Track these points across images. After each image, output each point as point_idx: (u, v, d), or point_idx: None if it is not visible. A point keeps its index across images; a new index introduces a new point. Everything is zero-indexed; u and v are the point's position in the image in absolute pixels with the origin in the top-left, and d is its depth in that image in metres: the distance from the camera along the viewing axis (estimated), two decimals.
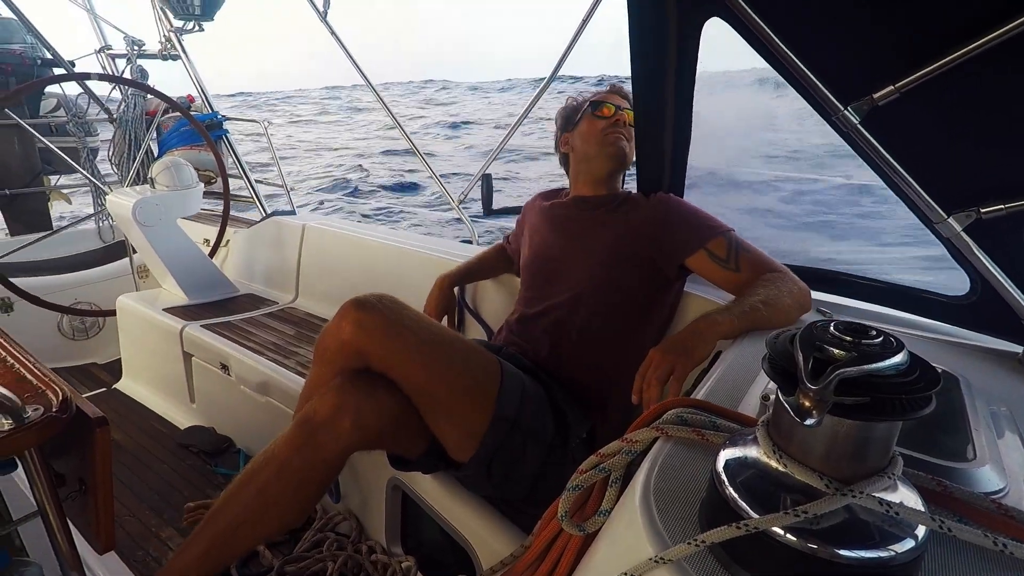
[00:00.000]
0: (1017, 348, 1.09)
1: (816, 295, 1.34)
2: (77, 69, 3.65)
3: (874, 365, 0.45)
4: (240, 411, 2.08)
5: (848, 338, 0.48)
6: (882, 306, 1.34)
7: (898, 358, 0.47)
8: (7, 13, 3.49)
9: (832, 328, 0.49)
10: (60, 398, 0.91)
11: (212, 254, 2.86)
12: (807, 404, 0.45)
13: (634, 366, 1.17)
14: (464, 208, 2.90)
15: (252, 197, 3.31)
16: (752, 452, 0.54)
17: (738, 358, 1.01)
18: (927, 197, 1.07)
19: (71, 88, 3.72)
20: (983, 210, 1.01)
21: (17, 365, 1.02)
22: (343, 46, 2.85)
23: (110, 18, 3.62)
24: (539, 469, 1.28)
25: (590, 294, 1.45)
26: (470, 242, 2.75)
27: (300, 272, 2.71)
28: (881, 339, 0.48)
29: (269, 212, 3.07)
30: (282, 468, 1.17)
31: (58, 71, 3.62)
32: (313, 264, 2.67)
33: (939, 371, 0.87)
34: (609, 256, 1.46)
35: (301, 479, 1.18)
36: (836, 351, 0.47)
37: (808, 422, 0.45)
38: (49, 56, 3.57)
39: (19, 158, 3.63)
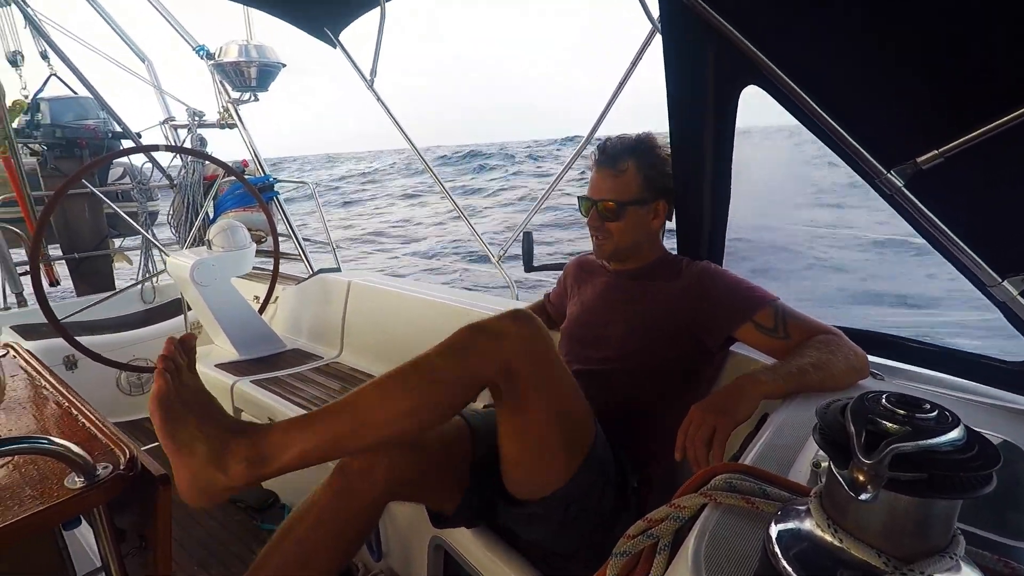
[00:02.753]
0: None
1: (872, 358, 1.30)
2: (144, 140, 3.93)
3: (930, 441, 0.45)
4: None
5: (901, 411, 0.47)
6: (939, 372, 1.29)
7: (955, 433, 0.46)
8: (83, 92, 3.81)
9: (884, 400, 0.49)
10: (127, 456, 0.96)
11: (262, 310, 2.97)
12: (861, 478, 0.44)
13: (672, 425, 1.18)
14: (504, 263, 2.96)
15: (300, 255, 3.45)
16: (806, 524, 0.53)
17: (787, 422, 0.99)
18: (979, 260, 1.04)
19: (137, 157, 4.00)
20: None
21: (87, 423, 1.08)
22: (388, 111, 2.99)
23: (174, 92, 3.91)
24: (609, 514, 1.27)
25: (632, 362, 1.45)
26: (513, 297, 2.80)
27: (345, 327, 2.78)
28: (936, 413, 0.47)
29: (316, 270, 3.19)
30: (321, 516, 1.19)
31: (126, 143, 3.91)
32: (358, 320, 2.74)
33: (1001, 441, 0.86)
34: (649, 329, 1.45)
35: (339, 528, 1.19)
36: (889, 425, 0.47)
37: (863, 497, 0.44)
38: (119, 129, 3.86)
39: (88, 223, 3.89)
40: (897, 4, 0.94)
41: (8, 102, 3.33)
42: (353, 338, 2.75)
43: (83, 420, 1.09)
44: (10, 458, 0.97)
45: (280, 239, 3.23)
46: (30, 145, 3.71)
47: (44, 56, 3.74)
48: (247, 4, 3.00)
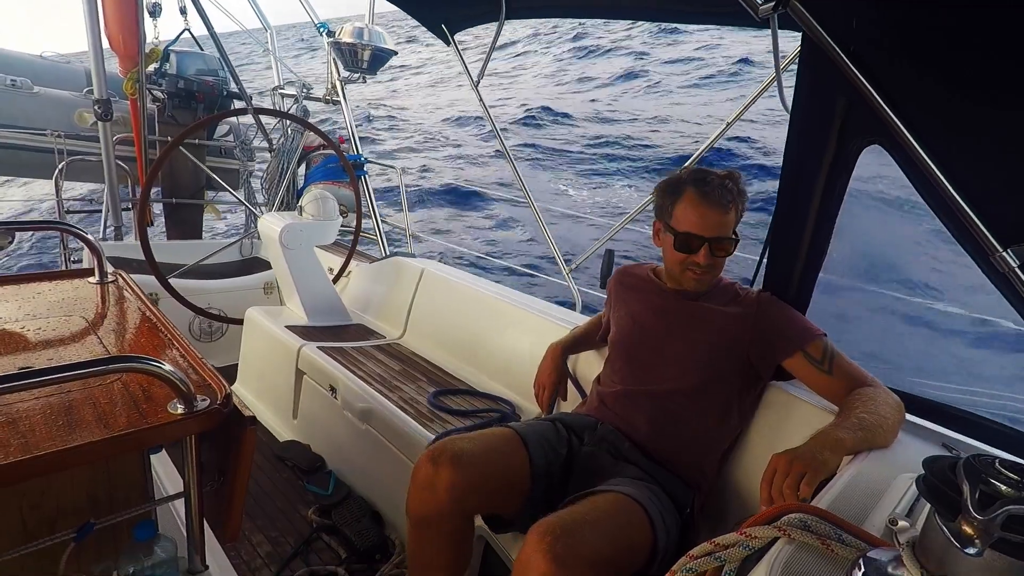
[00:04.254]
0: None
1: (940, 429, 1.32)
2: (255, 103, 4.15)
3: None
4: (339, 434, 2.18)
5: (1015, 476, 0.49)
6: (1013, 455, 1.24)
7: None
8: (209, 50, 4.05)
9: (998, 464, 0.50)
10: (224, 393, 1.02)
11: (335, 282, 3.07)
12: (970, 532, 0.46)
13: (720, 451, 1.49)
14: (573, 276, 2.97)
15: (377, 236, 3.56)
16: (898, 572, 0.54)
17: (860, 476, 1.00)
18: None
19: (244, 118, 4.23)
20: None
21: (188, 357, 1.15)
22: (487, 111, 3.06)
23: (289, 63, 4.11)
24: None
25: (690, 386, 1.49)
26: (573, 307, 2.81)
27: (411, 312, 2.85)
28: None
29: (391, 252, 3.28)
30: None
31: (238, 103, 4.13)
32: (425, 306, 2.81)
33: None
34: (708, 352, 1.50)
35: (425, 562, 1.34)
36: (1003, 487, 0.48)
37: (970, 551, 0.46)
38: (234, 89, 4.09)
39: (189, 173, 4.13)
40: None
41: (146, 49, 3.58)
42: (417, 322, 2.81)
43: (184, 353, 1.16)
44: (120, 376, 1.04)
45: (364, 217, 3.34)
46: (153, 92, 3.97)
47: (183, 11, 4.01)
48: None
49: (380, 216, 3.71)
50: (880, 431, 1.17)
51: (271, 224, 2.73)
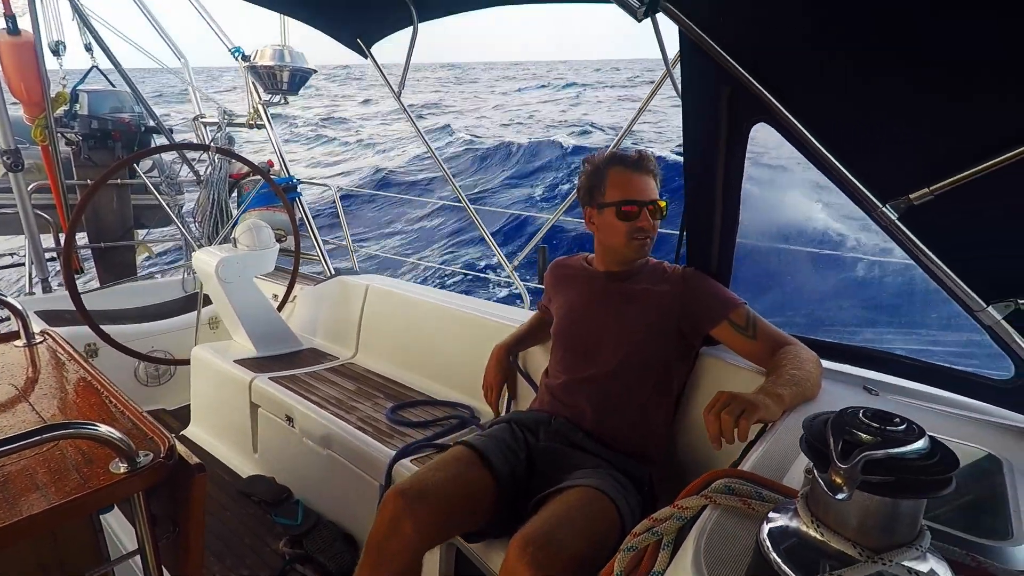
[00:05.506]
0: None
1: (865, 373, 1.44)
2: (176, 136, 4.04)
3: (897, 449, 0.52)
4: (301, 463, 2.17)
5: (875, 424, 0.55)
6: (929, 386, 1.37)
7: (920, 443, 0.53)
8: (120, 85, 3.92)
9: (861, 415, 0.57)
10: (167, 445, 1.02)
11: (280, 309, 3.04)
12: (838, 481, 0.52)
13: (664, 422, 1.59)
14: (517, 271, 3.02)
15: (319, 256, 3.52)
16: (793, 522, 0.60)
17: (782, 434, 1.08)
18: (966, 288, 1.13)
19: (166, 153, 4.10)
20: (1020, 300, 1.06)
21: (126, 412, 1.14)
22: (413, 121, 3.08)
23: (207, 91, 4.01)
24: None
25: (628, 364, 1.57)
26: (522, 305, 2.86)
27: (361, 329, 2.84)
28: (905, 426, 0.55)
29: (335, 271, 3.25)
30: None
31: (158, 138, 4.01)
32: (374, 322, 2.80)
33: (985, 455, 0.95)
34: (642, 329, 1.58)
35: None
36: (864, 436, 0.54)
37: (839, 496, 0.52)
38: (152, 124, 3.96)
39: (115, 214, 3.99)
40: (897, 57, 1.02)
41: (52, 92, 3.44)
42: (368, 340, 2.81)
43: (122, 408, 1.15)
44: (56, 442, 1.02)
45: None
46: (66, 135, 3.82)
47: (88, 48, 3.86)
48: (284, 13, 3.10)
49: (320, 236, 3.67)
50: (808, 384, 1.28)
51: (206, 259, 2.67)
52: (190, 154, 4.05)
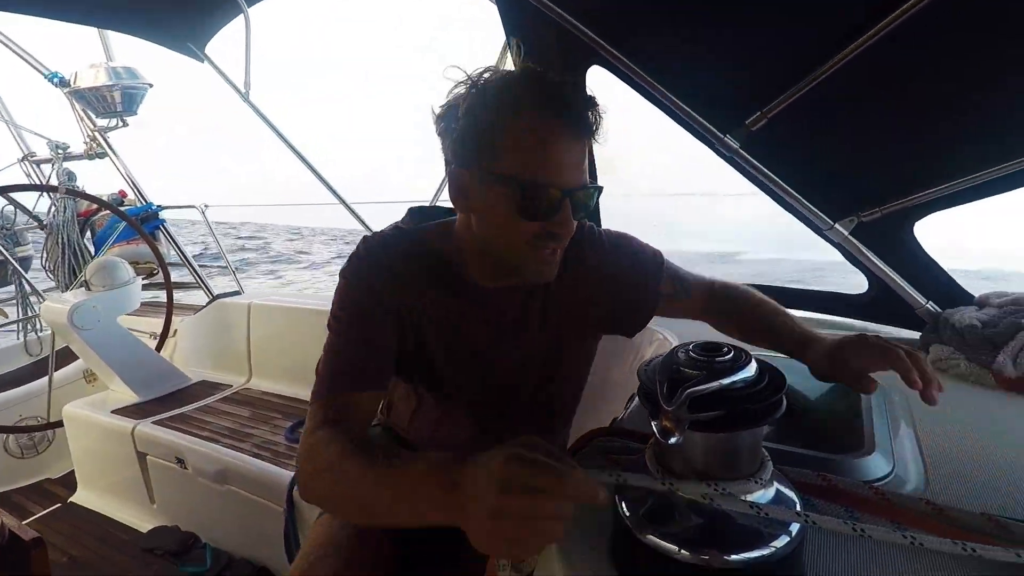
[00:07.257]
0: (915, 335, 1.17)
1: None
2: (1, 181, 3.61)
3: (721, 381, 0.49)
4: (200, 504, 2.03)
5: (702, 358, 0.52)
6: (795, 310, 1.42)
7: (746, 371, 0.51)
8: None
9: (691, 350, 0.53)
10: None
11: (160, 347, 2.81)
12: (668, 425, 0.48)
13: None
14: None
15: (196, 282, 3.28)
16: (644, 475, 0.56)
17: None
18: (812, 207, 1.16)
19: None
20: (862, 214, 1.11)
21: None
22: (268, 121, 2.89)
23: (30, 125, 3.60)
24: None
25: (558, 403, 1.16)
26: None
27: (251, 352, 2.69)
28: (732, 355, 0.52)
29: (214, 295, 3.05)
30: None
31: None
32: (263, 342, 2.66)
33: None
34: (566, 351, 1.10)
35: None
36: (689, 371, 0.51)
37: (671, 441, 0.48)
38: None
39: None
40: None
41: None
42: (261, 361, 2.66)
43: None
44: None
45: (176, 268, 3.06)
46: None
47: None
48: (101, 26, 2.81)
49: (194, 262, 3.42)
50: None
51: (56, 308, 2.41)
52: (28, 200, 3.64)
